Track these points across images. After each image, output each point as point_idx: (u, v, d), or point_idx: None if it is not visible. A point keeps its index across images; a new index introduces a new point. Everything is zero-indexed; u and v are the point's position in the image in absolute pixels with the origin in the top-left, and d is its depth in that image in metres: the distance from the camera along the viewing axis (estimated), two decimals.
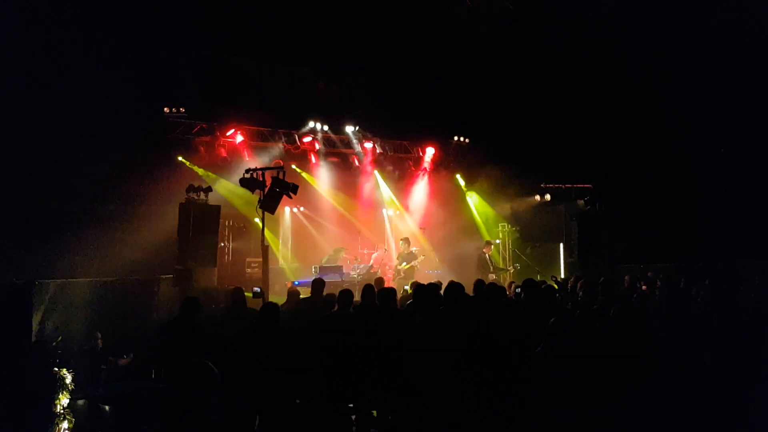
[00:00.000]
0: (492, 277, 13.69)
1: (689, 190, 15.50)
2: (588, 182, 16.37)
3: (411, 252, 14.44)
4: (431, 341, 5.91)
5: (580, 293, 8.51)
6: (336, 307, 7.31)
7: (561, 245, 16.55)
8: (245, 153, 15.62)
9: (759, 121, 14.16)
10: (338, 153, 17.25)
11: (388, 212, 18.30)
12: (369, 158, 17.42)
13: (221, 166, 15.20)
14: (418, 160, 18.16)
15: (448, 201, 17.81)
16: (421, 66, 15.84)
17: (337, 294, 7.53)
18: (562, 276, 15.37)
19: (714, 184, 15.26)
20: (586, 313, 7.07)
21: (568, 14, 14.40)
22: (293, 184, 10.71)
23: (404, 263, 14.10)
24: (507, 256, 17.19)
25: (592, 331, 6.02)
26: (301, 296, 8.98)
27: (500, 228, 17.65)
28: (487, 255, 14.49)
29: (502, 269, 15.22)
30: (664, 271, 10.04)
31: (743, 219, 14.31)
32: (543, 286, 7.45)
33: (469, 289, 8.82)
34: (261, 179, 10.58)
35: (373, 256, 15.76)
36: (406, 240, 14.68)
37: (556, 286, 10.44)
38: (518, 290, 9.36)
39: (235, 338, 6.28)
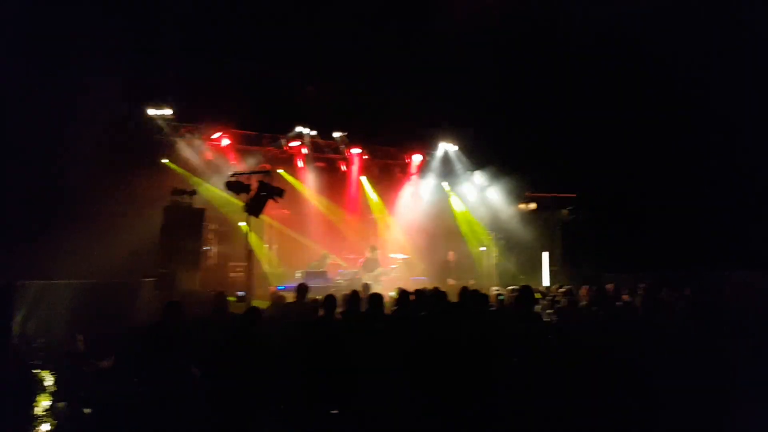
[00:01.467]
0: (450, 282, 13.87)
1: (676, 199, 15.69)
2: (572, 191, 16.56)
3: (376, 260, 14.56)
4: (414, 346, 6.02)
5: (563, 302, 8.66)
6: (321, 313, 7.37)
7: (545, 254, 16.71)
8: (231, 156, 15.61)
9: (751, 122, 14.28)
10: (325, 158, 17.29)
11: (374, 218, 18.35)
12: (356, 164, 17.49)
13: (207, 169, 15.20)
14: (405, 167, 18.27)
15: (435, 208, 17.93)
16: (409, 73, 15.96)
17: (322, 299, 7.59)
18: (546, 284, 15.52)
19: (701, 193, 15.46)
20: (568, 320, 7.21)
21: (551, 23, 14.59)
22: (279, 189, 10.73)
23: (366, 272, 14.23)
24: (492, 264, 17.33)
25: (572, 338, 6.15)
26: (285, 301, 9.02)
27: (485, 235, 17.77)
28: (452, 262, 14.64)
29: (460, 279, 15.28)
30: (648, 280, 10.20)
31: (731, 227, 14.48)
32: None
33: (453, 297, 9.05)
34: (247, 183, 10.59)
35: (360, 261, 15.83)
36: (373, 248, 14.79)
37: (539, 296, 10.59)
38: (500, 297, 9.52)
39: (217, 343, 6.32)
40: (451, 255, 14.75)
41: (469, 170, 17.94)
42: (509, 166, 16.27)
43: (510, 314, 7.54)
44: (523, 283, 13.48)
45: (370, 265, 14.43)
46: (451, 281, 13.73)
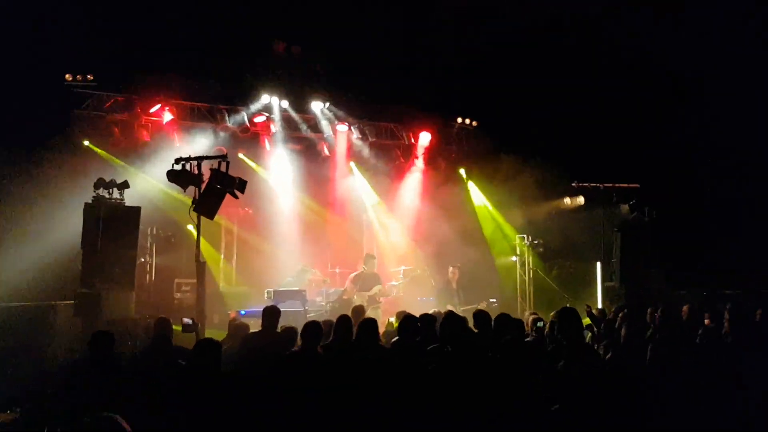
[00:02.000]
0: (450, 309, 13.74)
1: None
2: (635, 181, 16.48)
3: (373, 275, 14.51)
4: (423, 394, 5.94)
5: (623, 330, 8.59)
6: (298, 346, 7.27)
7: (598, 265, 16.63)
8: (175, 136, 15.54)
9: None
10: (302, 138, 17.24)
11: (369, 218, 18.30)
12: (343, 146, 17.42)
13: (142, 154, 15.11)
14: (409, 149, 18.22)
15: (449, 204, 17.91)
16: (414, 24, 15.91)
17: (299, 328, 7.50)
18: (599, 306, 15.46)
19: None
20: (632, 356, 7.14)
21: None
22: (240, 180, 10.63)
23: (361, 291, 14.16)
24: (526, 279, 17.29)
25: (637, 388, 6.08)
26: (249, 330, 8.89)
27: (518, 241, 17.73)
28: (453, 282, 14.63)
29: (468, 303, 15.17)
30: (734, 299, 10.13)
31: None
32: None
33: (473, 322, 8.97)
34: (196, 172, 10.50)
35: (351, 277, 15.78)
36: (370, 257, 14.73)
37: (588, 321, 10.51)
38: (539, 323, 9.45)
39: (158, 387, 6.23)
40: (453, 272, 14.71)
41: (494, 153, 17.85)
42: (549, 147, 16.17)
43: (552, 348, 7.46)
44: (568, 305, 13.55)
45: (365, 281, 14.34)
46: (449, 307, 13.70)
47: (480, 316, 8.68)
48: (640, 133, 16.11)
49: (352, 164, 17.98)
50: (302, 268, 15.67)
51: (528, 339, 9.08)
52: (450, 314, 8.26)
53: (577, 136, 16.34)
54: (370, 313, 13.36)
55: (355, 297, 14.28)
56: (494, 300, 14.95)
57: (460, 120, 18.30)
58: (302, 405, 6.38)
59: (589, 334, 10.43)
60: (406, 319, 8.01)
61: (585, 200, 17.26)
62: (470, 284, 15.47)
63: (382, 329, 10.19)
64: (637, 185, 16.30)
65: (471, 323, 8.76)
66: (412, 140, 18.18)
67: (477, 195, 18.78)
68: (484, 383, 6.08)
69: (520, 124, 16.73)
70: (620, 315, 9.83)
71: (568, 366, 5.86)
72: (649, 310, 9.47)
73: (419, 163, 18.27)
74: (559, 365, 6.07)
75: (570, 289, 16.09)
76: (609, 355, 8.27)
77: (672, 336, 7.44)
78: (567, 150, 16.49)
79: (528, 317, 10.34)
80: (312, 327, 7.24)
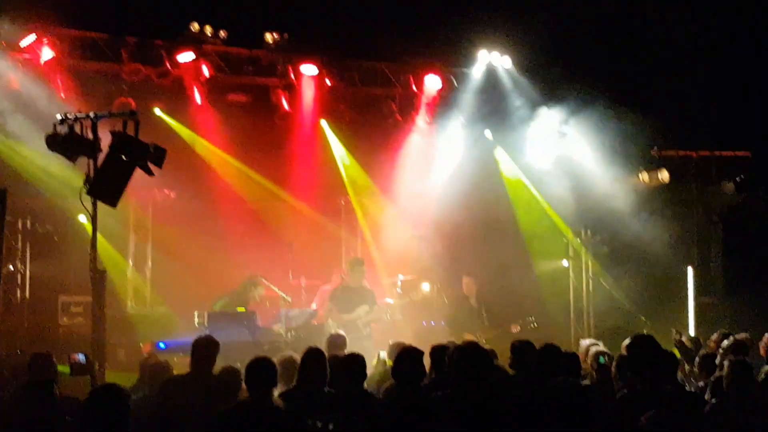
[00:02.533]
0: (468, 337, 13.77)
1: None
2: (744, 147, 16.53)
3: (361, 289, 14.53)
4: None
5: (726, 365, 8.60)
6: (245, 393, 7.26)
7: (689, 271, 16.70)
8: (59, 83, 15.47)
9: None
10: (249, 86, 17.24)
11: (349, 205, 18.37)
12: (311, 96, 17.40)
13: (7, 110, 15.07)
14: (409, 100, 18.23)
15: (468, 182, 17.92)
16: None
17: (244, 368, 7.40)
18: (692, 332, 15.50)
19: None
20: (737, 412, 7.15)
21: None
22: (156, 148, 10.61)
23: (340, 314, 14.21)
24: (584, 293, 17.33)
25: None
26: (172, 372, 8.92)
27: (572, 237, 17.77)
28: (471, 298, 14.66)
29: (496, 327, 15.21)
30: None
31: None
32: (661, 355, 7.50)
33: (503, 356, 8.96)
34: (91, 137, 10.47)
35: (323, 291, 15.76)
36: (357, 263, 14.74)
37: (678, 354, 10.54)
38: (603, 359, 9.46)
39: None
40: (468, 284, 14.72)
41: (535, 105, 17.85)
42: (617, 97, 16.17)
43: (622, 397, 7.47)
44: (645, 331, 13.56)
45: (347, 299, 14.35)
46: (468, 335, 13.72)
47: (520, 349, 8.68)
48: (750, 78, 16.10)
49: (324, 124, 18.03)
50: (250, 280, 15.64)
51: (586, 382, 9.08)
52: (468, 347, 8.24)
53: (659, 82, 16.34)
54: (353, 347, 13.34)
55: (329, 322, 14.29)
56: (532, 318, 14.94)
57: (484, 55, 18.23)
58: None
59: (680, 374, 10.49)
60: (404, 354, 7.98)
61: (670, 176, 17.28)
62: (498, 301, 15.50)
63: (370, 370, 10.20)
64: (748, 153, 16.34)
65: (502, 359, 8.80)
66: (414, 87, 18.13)
67: (509, 169, 18.78)
68: None
69: (574, 63, 16.76)
70: (724, 345, 9.85)
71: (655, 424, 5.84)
72: (765, 338, 9.51)
73: (423, 120, 18.25)
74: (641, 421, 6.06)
75: (649, 307, 16.14)
76: (710, 405, 8.26)
77: None
78: (644, 103, 16.50)
79: (586, 349, 10.36)
80: (263, 366, 7.20)
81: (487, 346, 9.35)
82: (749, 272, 14.57)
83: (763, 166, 15.57)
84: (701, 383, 9.54)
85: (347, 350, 10.46)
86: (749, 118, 16.27)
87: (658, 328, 13.72)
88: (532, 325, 14.55)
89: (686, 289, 16.53)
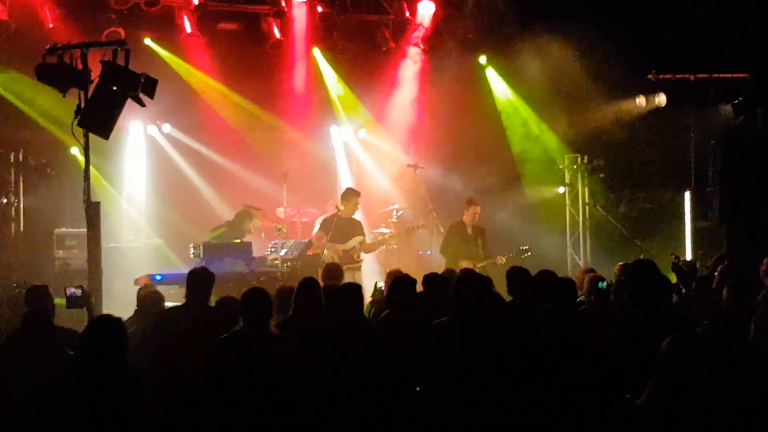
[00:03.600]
0: (464, 264, 13.79)
1: None
2: (742, 69, 16.43)
3: (353, 221, 14.56)
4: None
5: (726, 290, 8.61)
6: (239, 325, 7.30)
7: (687, 195, 16.70)
8: (47, 14, 15.29)
9: None
10: (239, 14, 17.04)
11: (343, 134, 18.36)
12: (302, 24, 17.24)
13: None
14: (402, 27, 18.07)
15: (465, 108, 17.88)
16: None
17: (240, 298, 7.52)
18: (689, 256, 15.54)
19: None
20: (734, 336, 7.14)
21: None
22: (147, 78, 10.55)
23: (333, 243, 14.22)
24: (580, 220, 17.34)
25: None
26: (166, 303, 8.97)
27: (567, 162, 17.73)
28: (468, 226, 14.67)
29: (488, 257, 15.21)
30: None
31: None
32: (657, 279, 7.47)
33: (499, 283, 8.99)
34: (81, 67, 10.40)
35: (318, 221, 15.77)
36: (351, 194, 14.74)
37: (674, 279, 10.55)
38: (601, 284, 9.48)
39: (38, 385, 6.24)
40: (473, 211, 14.71)
41: (529, 27, 17.66)
42: (611, 18, 16.01)
43: (620, 322, 7.48)
44: (642, 256, 13.57)
45: (340, 229, 14.36)
46: (464, 263, 13.74)
47: (515, 275, 8.72)
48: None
49: (316, 52, 17.85)
50: (245, 210, 15.63)
51: (583, 307, 9.11)
52: (468, 274, 8.26)
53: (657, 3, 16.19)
54: (350, 276, 13.40)
55: (325, 252, 14.32)
56: (527, 247, 14.98)
57: None
58: (245, 412, 6.40)
59: (675, 298, 10.51)
60: (399, 282, 7.99)
61: (668, 99, 17.18)
62: (492, 228, 15.49)
63: (366, 300, 10.23)
64: (746, 75, 16.24)
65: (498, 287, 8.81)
66: (407, 13, 17.95)
67: (503, 92, 18.68)
68: (517, 376, 6.10)
69: None
70: (719, 269, 9.86)
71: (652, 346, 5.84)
72: (765, 261, 9.49)
73: (417, 47, 18.08)
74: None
75: (646, 232, 16.18)
76: (703, 328, 8.27)
77: None
78: (640, 23, 16.35)
79: (583, 276, 10.39)
80: (258, 296, 7.23)
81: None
82: (747, 196, 14.53)
83: (762, 88, 15.46)
84: (696, 307, 9.59)
85: (342, 279, 10.54)
86: (748, 40, 16.13)
87: (655, 253, 13.73)
88: (525, 254, 14.58)
89: (683, 214, 16.55)
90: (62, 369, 6.42)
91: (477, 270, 12.62)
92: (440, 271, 10.44)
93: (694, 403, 5.21)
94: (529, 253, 14.66)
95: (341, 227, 14.33)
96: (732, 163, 14.56)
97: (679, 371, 5.26)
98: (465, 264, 13.42)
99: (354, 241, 14.33)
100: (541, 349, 6.39)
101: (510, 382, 6.09)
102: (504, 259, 14.43)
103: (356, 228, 14.55)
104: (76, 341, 6.78)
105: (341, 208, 14.53)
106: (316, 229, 15.27)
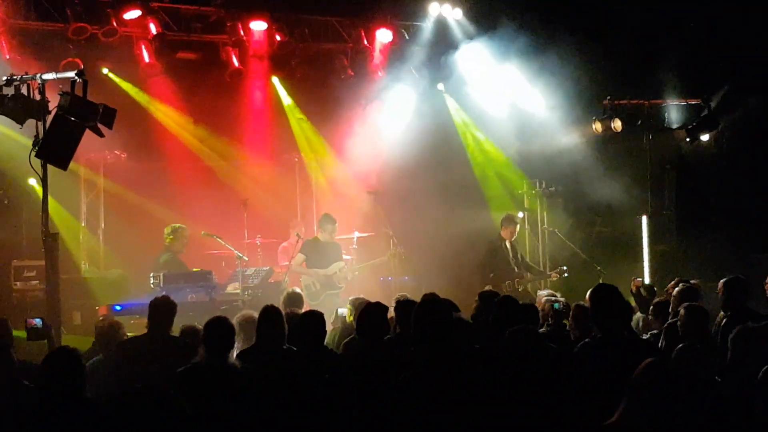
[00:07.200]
0: (512, 285, 13.98)
1: None
2: (695, 95, 16.62)
3: (333, 245, 14.66)
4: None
5: (682, 313, 8.73)
6: (200, 356, 7.34)
7: (644, 220, 16.82)
8: (3, 44, 15.27)
9: None
10: (198, 43, 17.08)
11: (302, 159, 18.41)
12: (261, 52, 17.31)
13: None
14: (361, 56, 18.20)
15: (425, 136, 17.91)
16: None
17: (202, 328, 7.55)
18: (647, 280, 15.66)
19: None
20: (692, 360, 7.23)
21: None
22: (105, 108, 10.57)
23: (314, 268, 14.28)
24: (539, 245, 17.46)
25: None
26: (127, 334, 8.97)
27: (526, 188, 17.86)
28: (506, 244, 14.73)
29: (538, 272, 15.45)
30: None
31: None
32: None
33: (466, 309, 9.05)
34: (38, 98, 10.42)
35: (281, 247, 15.77)
36: (328, 220, 14.85)
37: (633, 302, 10.71)
38: (557, 305, 9.60)
39: None
40: (510, 230, 14.85)
41: (487, 57, 17.86)
42: (569, 46, 16.21)
43: (583, 346, 7.57)
44: (601, 280, 13.71)
45: (321, 253, 14.41)
46: (515, 284, 13.94)
47: (483, 300, 8.87)
48: (704, 20, 16.15)
49: (275, 80, 17.93)
50: (172, 230, 15.56)
51: (542, 330, 9.20)
52: (429, 301, 8.28)
53: (609, 28, 16.37)
54: (325, 303, 13.40)
55: (286, 279, 14.34)
56: (565, 267, 15.39)
57: (435, 7, 18.21)
58: None
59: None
60: (369, 309, 8.02)
61: (622, 124, 17.33)
62: (457, 252, 15.59)
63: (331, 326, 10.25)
64: (698, 101, 16.46)
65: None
66: (365, 41, 18.08)
67: (462, 121, 18.84)
68: (478, 398, 6.16)
69: (526, 13, 16.75)
70: (678, 292, 9.98)
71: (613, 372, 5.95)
72: (720, 284, 9.59)
73: (375, 75, 18.15)
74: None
75: (605, 256, 16.34)
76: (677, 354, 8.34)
77: (745, 330, 7.35)
78: (595, 50, 16.56)
79: (540, 299, 10.51)
80: (221, 326, 7.29)
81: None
82: (702, 218, 14.72)
83: (715, 112, 15.69)
84: (654, 330, 9.73)
85: (304, 307, 10.60)
86: (702, 65, 16.36)
87: (614, 277, 13.87)
88: (564, 274, 15.09)
89: (641, 238, 16.69)
90: (20, 402, 6.44)
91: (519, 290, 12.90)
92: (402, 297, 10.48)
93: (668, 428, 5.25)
94: (567, 275, 14.97)
95: (321, 250, 14.39)
96: (687, 187, 14.74)
97: (654, 396, 5.30)
98: (513, 286, 13.67)
99: (335, 267, 14.38)
100: (505, 371, 6.48)
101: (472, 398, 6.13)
102: (557, 275, 14.78)
103: (337, 253, 14.62)
104: (35, 374, 6.80)
105: (318, 236, 14.61)
106: (280, 256, 15.30)
